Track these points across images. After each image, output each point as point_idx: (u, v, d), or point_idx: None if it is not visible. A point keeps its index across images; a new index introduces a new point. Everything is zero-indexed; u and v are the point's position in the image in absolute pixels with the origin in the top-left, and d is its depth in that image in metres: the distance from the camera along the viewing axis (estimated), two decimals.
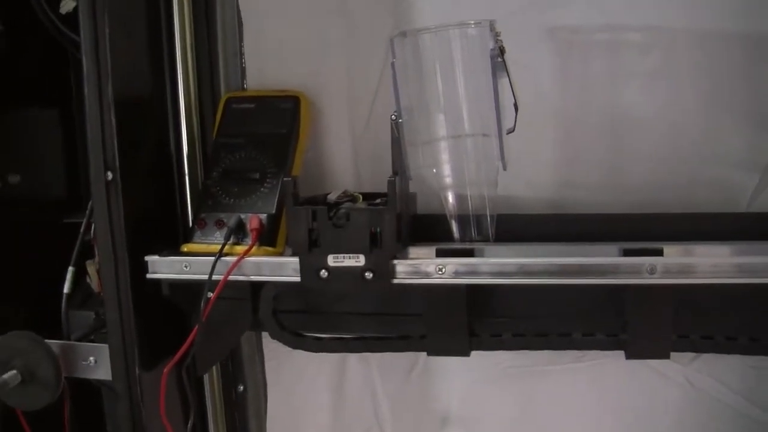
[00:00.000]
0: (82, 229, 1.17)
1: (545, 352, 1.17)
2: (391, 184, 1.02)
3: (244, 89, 1.26)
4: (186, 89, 1.21)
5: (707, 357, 1.22)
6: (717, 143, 1.16)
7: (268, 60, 1.25)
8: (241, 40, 1.25)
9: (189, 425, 1.19)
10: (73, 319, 1.19)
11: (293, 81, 1.23)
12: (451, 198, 1.10)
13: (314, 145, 1.24)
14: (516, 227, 1.13)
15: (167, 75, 1.19)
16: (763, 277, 0.98)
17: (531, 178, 1.20)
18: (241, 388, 1.38)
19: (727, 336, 1.08)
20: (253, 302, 1.14)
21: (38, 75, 1.29)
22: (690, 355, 1.22)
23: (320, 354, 1.28)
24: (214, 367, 1.33)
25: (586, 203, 1.18)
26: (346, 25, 1.23)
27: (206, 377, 1.33)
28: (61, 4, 1.20)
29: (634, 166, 1.18)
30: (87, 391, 1.19)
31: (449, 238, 1.12)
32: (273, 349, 1.36)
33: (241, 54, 1.26)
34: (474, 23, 1.04)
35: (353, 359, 1.34)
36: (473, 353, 1.13)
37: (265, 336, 1.35)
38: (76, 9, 1.07)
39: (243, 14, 1.24)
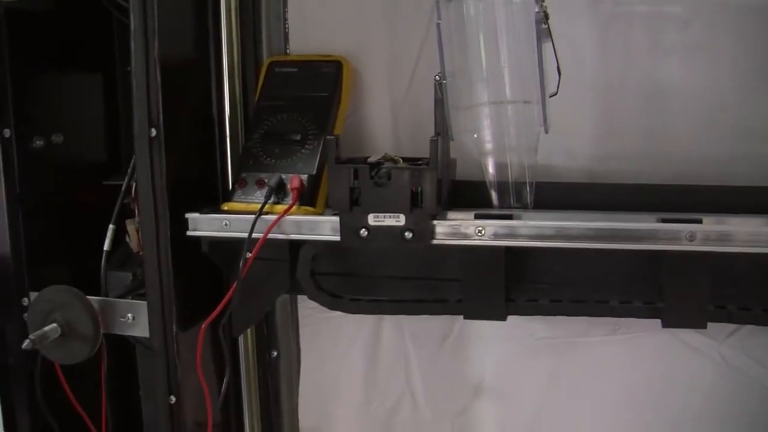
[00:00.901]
0: (123, 189, 1.18)
1: (579, 323, 1.18)
2: (433, 143, 1.03)
3: (286, 53, 1.27)
4: (229, 52, 1.22)
5: (742, 334, 1.22)
6: (757, 117, 1.16)
7: (312, 24, 1.26)
8: (284, 4, 1.27)
9: (224, 383, 1.20)
10: (111, 280, 1.20)
11: (336, 46, 1.24)
12: (490, 164, 1.11)
13: (355, 110, 1.26)
14: (555, 195, 1.14)
15: (211, 37, 1.21)
16: None
17: (571, 148, 1.20)
18: (275, 353, 1.39)
19: (765, 308, 1.08)
20: (292, 264, 1.16)
21: (83, 39, 1.30)
22: (725, 331, 1.22)
23: (354, 321, 1.31)
24: (248, 333, 1.34)
25: (625, 174, 1.18)
26: None
27: (241, 342, 1.34)
28: None
29: (673, 139, 1.18)
30: (120, 348, 1.21)
31: (488, 205, 1.13)
32: (307, 316, 1.37)
33: (285, 18, 1.27)
34: None
35: (387, 327, 1.35)
36: (507, 323, 1.14)
37: (301, 302, 1.37)
38: None
39: None
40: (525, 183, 1.11)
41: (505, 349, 1.31)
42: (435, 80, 1.06)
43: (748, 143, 1.17)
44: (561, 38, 1.05)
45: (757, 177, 1.15)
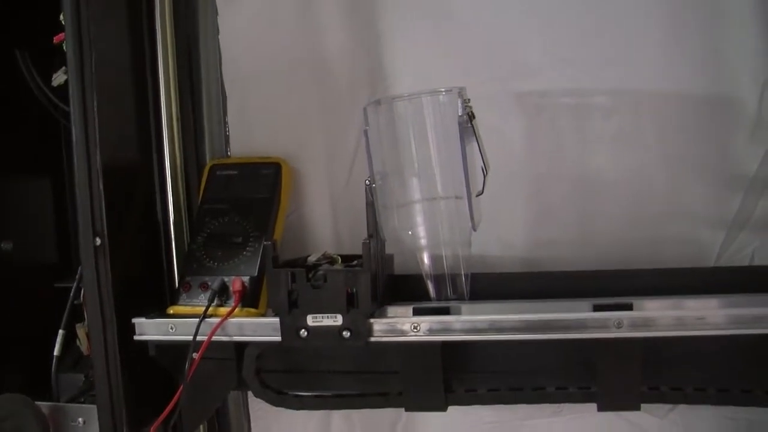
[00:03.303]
0: (72, 294, 1.20)
1: (524, 406, 1.20)
2: (365, 246, 1.07)
3: (227, 156, 1.31)
4: (172, 157, 1.25)
5: (682, 409, 1.24)
6: (683, 201, 1.20)
7: (251, 128, 1.30)
8: (225, 109, 1.30)
9: None
10: (63, 382, 1.22)
11: (275, 148, 1.27)
12: (426, 258, 1.14)
13: (296, 209, 1.29)
14: (490, 285, 1.16)
15: (154, 143, 1.24)
16: (727, 329, 1.01)
17: (504, 238, 1.24)
18: None
19: (696, 387, 1.11)
20: (238, 362, 1.17)
21: (31, 144, 1.33)
22: (666, 407, 1.25)
23: (304, 414, 1.32)
24: (201, 427, 1.35)
25: (558, 261, 1.21)
26: (325, 94, 1.28)
27: None
28: (54, 77, 1.24)
29: (603, 225, 1.22)
30: None
31: (427, 297, 1.15)
32: (259, 410, 1.38)
33: (225, 122, 1.31)
34: (444, 91, 1.09)
35: (337, 418, 1.36)
36: (455, 408, 1.16)
37: (252, 396, 1.37)
38: (67, 81, 1.11)
39: (226, 84, 1.30)
40: (460, 275, 1.14)
41: None
42: (365, 184, 1.10)
43: (677, 226, 1.21)
44: (491, 131, 1.10)
45: (688, 259, 1.19)
